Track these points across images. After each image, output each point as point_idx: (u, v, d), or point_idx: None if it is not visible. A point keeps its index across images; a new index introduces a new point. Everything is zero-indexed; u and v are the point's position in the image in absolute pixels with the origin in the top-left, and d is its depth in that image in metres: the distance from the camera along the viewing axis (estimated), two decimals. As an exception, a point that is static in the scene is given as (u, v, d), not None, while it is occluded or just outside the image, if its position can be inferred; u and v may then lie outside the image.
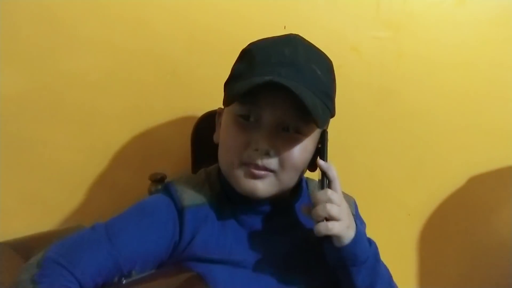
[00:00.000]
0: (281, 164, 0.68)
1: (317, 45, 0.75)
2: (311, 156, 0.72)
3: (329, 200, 0.65)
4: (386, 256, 0.75)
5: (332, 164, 0.69)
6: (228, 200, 0.72)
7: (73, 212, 0.97)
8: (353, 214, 0.77)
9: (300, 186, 0.77)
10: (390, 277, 0.74)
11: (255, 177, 0.68)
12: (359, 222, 0.78)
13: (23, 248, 0.71)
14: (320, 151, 0.72)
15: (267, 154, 0.67)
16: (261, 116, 0.68)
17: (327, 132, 0.73)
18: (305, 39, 0.73)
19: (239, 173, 0.68)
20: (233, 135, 0.69)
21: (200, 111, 0.93)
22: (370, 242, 0.70)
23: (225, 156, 0.71)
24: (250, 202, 0.72)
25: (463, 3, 1.04)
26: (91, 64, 0.95)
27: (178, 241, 0.68)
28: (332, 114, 0.73)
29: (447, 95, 1.07)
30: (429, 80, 1.06)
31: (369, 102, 1.06)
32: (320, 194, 0.66)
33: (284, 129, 0.68)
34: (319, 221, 0.64)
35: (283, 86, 0.63)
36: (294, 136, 0.69)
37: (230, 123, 0.70)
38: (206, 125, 0.92)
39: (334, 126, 0.76)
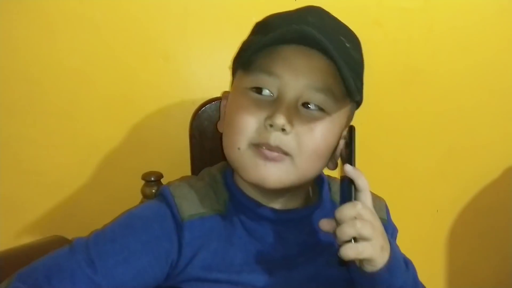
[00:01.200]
0: (300, 145, 0.55)
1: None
2: (336, 144, 0.59)
3: (359, 216, 0.52)
4: (413, 256, 0.63)
5: (361, 172, 0.56)
6: (237, 209, 0.60)
7: (55, 219, 0.84)
8: (384, 220, 0.65)
9: (322, 185, 0.65)
10: None
11: (267, 159, 0.55)
12: (391, 230, 0.66)
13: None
14: (348, 152, 0.59)
15: (283, 131, 0.54)
16: (278, 87, 0.55)
17: (354, 129, 0.60)
18: (330, 13, 0.59)
19: (247, 156, 0.56)
20: (241, 112, 0.56)
21: (199, 100, 0.80)
22: (407, 264, 0.57)
23: (230, 138, 0.58)
24: (263, 209, 0.59)
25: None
26: (71, 47, 0.81)
27: (177, 260, 0.56)
28: (361, 98, 0.61)
29: (484, 76, 0.94)
30: (463, 58, 0.93)
31: (394, 85, 0.93)
32: (348, 209, 0.52)
33: (305, 105, 0.56)
34: (346, 241, 0.52)
35: (312, 37, 0.51)
36: (317, 113, 0.56)
37: (238, 99, 0.58)
38: (206, 115, 0.79)
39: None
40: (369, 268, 0.52)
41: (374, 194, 0.70)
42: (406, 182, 0.97)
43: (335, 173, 0.66)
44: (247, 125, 0.55)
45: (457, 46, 0.92)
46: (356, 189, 0.55)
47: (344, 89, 0.55)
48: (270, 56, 0.55)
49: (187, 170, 0.79)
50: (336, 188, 0.68)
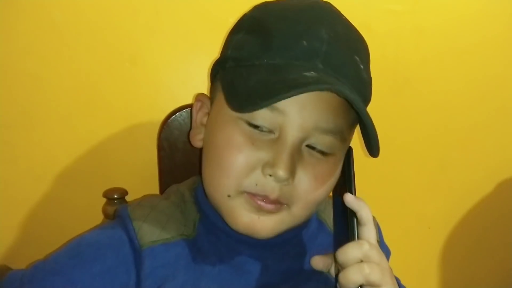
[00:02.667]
0: (300, 195, 0.48)
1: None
2: (334, 185, 0.52)
3: (367, 258, 0.45)
4: (405, 275, 0.58)
5: (364, 202, 0.48)
6: (210, 232, 0.52)
7: (1, 244, 0.74)
8: (378, 241, 0.58)
9: None
10: None
11: (262, 211, 0.47)
12: (383, 252, 0.58)
13: None
14: (346, 178, 0.51)
15: (285, 183, 0.46)
16: (281, 125, 0.47)
17: (352, 151, 0.53)
18: (336, 9, 0.53)
19: (238, 204, 0.48)
20: (233, 150, 0.47)
21: (168, 108, 0.72)
22: None
23: (218, 180, 0.49)
24: (240, 234, 0.51)
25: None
26: (25, 49, 0.72)
27: None
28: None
29: (475, 82, 0.88)
30: (454, 64, 0.87)
31: (383, 94, 0.86)
32: (353, 249, 0.45)
33: (309, 147, 0.48)
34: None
35: (330, 89, 0.44)
36: (322, 156, 0.49)
37: (227, 129, 0.49)
38: (176, 124, 0.71)
39: None
40: None
41: None
42: (394, 197, 0.90)
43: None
44: (242, 170, 0.47)
45: (448, 51, 0.86)
46: (358, 223, 0.47)
47: (365, 142, 0.49)
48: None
49: (155, 187, 0.71)
50: (323, 206, 0.60)
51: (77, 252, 0.48)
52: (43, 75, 0.73)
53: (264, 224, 0.48)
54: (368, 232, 0.47)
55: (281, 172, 0.45)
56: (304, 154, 0.48)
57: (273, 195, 0.47)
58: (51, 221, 0.75)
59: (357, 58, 0.50)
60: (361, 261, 0.44)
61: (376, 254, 0.45)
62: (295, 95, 0.43)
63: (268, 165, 0.46)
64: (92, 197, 0.71)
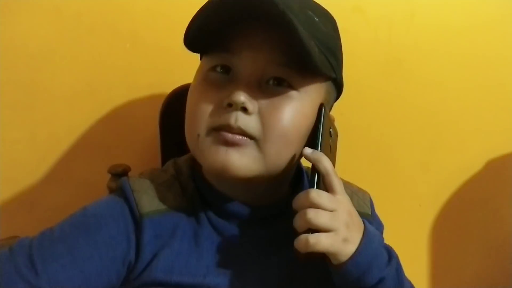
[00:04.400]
0: (265, 127, 0.49)
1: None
2: (310, 127, 0.52)
3: (313, 205, 0.47)
4: (396, 249, 0.58)
5: (323, 155, 0.50)
6: (205, 204, 0.54)
7: (12, 219, 0.77)
8: (369, 215, 0.61)
9: (300, 180, 0.60)
10: None
11: (228, 144, 0.49)
12: (375, 225, 0.61)
13: None
14: (312, 133, 0.52)
15: (245, 111, 0.48)
16: (237, 64, 0.50)
17: (323, 107, 0.53)
18: None
19: (207, 143, 0.50)
20: (198, 95, 0.51)
21: (170, 87, 0.74)
22: (390, 257, 0.52)
23: (189, 126, 0.52)
24: (233, 204, 0.54)
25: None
26: (31, 31, 0.74)
27: (134, 261, 0.50)
28: (336, 76, 0.54)
29: (465, 65, 0.91)
30: (444, 48, 0.90)
31: (375, 74, 0.89)
32: (301, 197, 0.48)
33: (271, 82, 0.50)
34: (301, 233, 0.47)
35: (270, 2, 0.44)
36: (284, 91, 0.50)
37: (196, 83, 0.53)
38: (177, 103, 0.73)
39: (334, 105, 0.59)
40: (333, 261, 0.48)
41: (358, 187, 0.65)
42: (387, 175, 0.93)
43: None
44: (205, 108, 0.50)
45: (439, 34, 0.89)
46: (318, 174, 0.49)
47: (308, 63, 0.48)
48: (226, 33, 0.49)
49: (157, 163, 0.74)
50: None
51: (81, 222, 0.51)
52: (47, 56, 0.76)
53: (233, 158, 0.48)
54: (329, 182, 0.49)
55: (236, 97, 0.47)
56: (264, 90, 0.50)
57: (235, 124, 0.48)
58: (57, 197, 0.77)
59: (311, 13, 0.51)
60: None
61: (326, 200, 0.47)
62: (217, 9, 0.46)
63: (227, 97, 0.48)
64: (97, 174, 0.74)
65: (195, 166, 0.56)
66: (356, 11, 0.86)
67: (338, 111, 0.61)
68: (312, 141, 0.52)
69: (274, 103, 0.49)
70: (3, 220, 0.78)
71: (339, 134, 0.60)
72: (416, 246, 0.98)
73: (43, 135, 0.77)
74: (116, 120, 0.78)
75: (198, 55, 0.68)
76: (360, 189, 0.64)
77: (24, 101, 0.76)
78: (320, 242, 0.46)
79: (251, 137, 0.49)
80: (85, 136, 0.78)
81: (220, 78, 0.51)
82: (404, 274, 0.54)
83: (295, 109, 0.50)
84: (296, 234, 0.47)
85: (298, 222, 0.47)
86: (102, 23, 0.76)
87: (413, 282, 0.60)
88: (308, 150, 0.50)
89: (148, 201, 0.51)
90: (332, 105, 0.59)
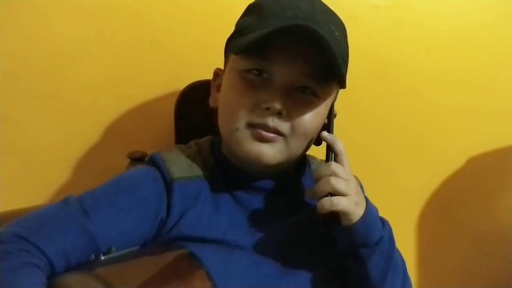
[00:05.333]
0: (293, 127, 0.60)
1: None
2: (322, 124, 0.64)
3: (334, 174, 0.57)
4: None
5: (337, 138, 0.62)
6: (224, 176, 0.64)
7: (40, 200, 0.85)
8: None
9: (303, 162, 0.70)
10: (405, 268, 0.67)
11: (264, 140, 0.59)
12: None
13: None
14: (326, 124, 0.64)
15: (279, 115, 0.58)
16: (273, 72, 0.59)
17: (333, 104, 0.66)
18: None
19: (244, 136, 0.59)
20: (239, 93, 0.60)
21: (183, 83, 0.83)
22: (384, 223, 0.63)
23: (228, 118, 0.61)
24: (248, 178, 0.64)
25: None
26: (60, 33, 0.84)
27: (165, 219, 0.59)
28: (344, 83, 0.64)
29: (449, 69, 1.01)
30: (430, 52, 0.99)
31: (367, 76, 0.98)
32: (324, 168, 0.58)
33: (299, 89, 0.60)
34: (322, 197, 0.56)
35: (307, 30, 0.54)
36: (309, 98, 0.61)
37: (235, 81, 0.61)
38: (190, 98, 0.83)
39: None
40: (345, 221, 0.57)
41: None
42: (376, 169, 1.01)
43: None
44: (244, 106, 0.59)
45: (424, 41, 0.99)
46: (334, 153, 0.60)
47: (334, 75, 0.59)
48: (266, 42, 0.57)
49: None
50: (314, 166, 0.72)
51: (119, 183, 0.60)
52: (74, 53, 0.85)
53: (266, 151, 0.59)
54: (341, 159, 0.60)
55: (276, 104, 0.57)
56: (294, 96, 0.59)
57: (271, 124, 0.58)
58: (81, 179, 0.86)
59: (333, 27, 0.61)
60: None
61: (342, 171, 0.58)
62: (276, 29, 0.54)
63: (265, 101, 0.58)
64: (117, 159, 0.82)
65: (214, 145, 0.66)
66: (350, 20, 0.94)
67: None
68: (326, 128, 0.64)
69: (302, 109, 0.60)
70: (30, 202, 0.86)
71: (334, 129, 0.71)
72: (404, 235, 1.06)
73: (68, 124, 0.86)
74: (135, 112, 0.87)
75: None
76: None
77: (53, 93, 0.85)
78: (340, 203, 0.56)
79: (281, 134, 0.59)
80: (106, 125, 0.87)
81: (256, 80, 0.60)
82: (393, 238, 0.64)
83: (315, 113, 0.61)
84: (318, 197, 0.57)
85: (321, 187, 0.57)
86: (124, 26, 0.86)
87: None
88: (325, 134, 0.62)
89: (177, 169, 0.61)
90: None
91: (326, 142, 0.62)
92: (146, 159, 0.66)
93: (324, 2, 0.85)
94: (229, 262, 0.58)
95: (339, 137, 0.69)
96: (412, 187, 1.05)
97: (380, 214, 0.74)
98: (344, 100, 0.92)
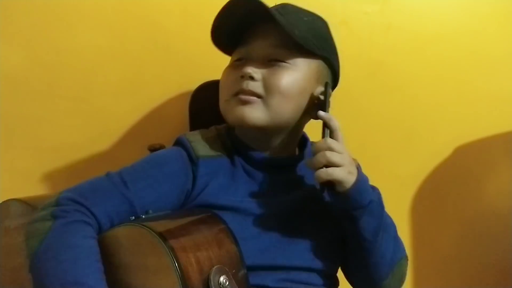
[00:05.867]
0: (267, 87, 0.70)
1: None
2: (307, 91, 0.73)
3: (329, 148, 0.67)
4: None
5: (333, 116, 0.71)
6: (239, 155, 0.74)
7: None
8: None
9: (305, 144, 0.80)
10: (395, 229, 0.77)
11: (243, 102, 0.70)
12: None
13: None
14: (321, 103, 0.73)
15: (252, 79, 0.70)
16: (249, 51, 0.72)
17: (329, 84, 0.75)
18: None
19: (231, 105, 0.72)
20: (227, 75, 0.74)
21: (195, 84, 0.94)
22: (374, 189, 0.73)
23: (220, 96, 0.75)
24: (258, 155, 0.74)
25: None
26: (85, 41, 0.95)
27: (191, 190, 0.69)
28: (325, 56, 0.76)
29: (434, 67, 1.12)
30: (416, 52, 1.11)
31: (360, 74, 1.09)
32: (320, 143, 0.68)
33: (272, 61, 0.72)
34: (319, 168, 0.66)
35: (258, 3, 0.67)
36: (281, 64, 0.72)
37: (225, 69, 0.75)
38: (202, 96, 0.93)
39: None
40: (340, 188, 0.67)
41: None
42: (371, 158, 1.07)
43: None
44: (228, 82, 0.73)
45: (410, 41, 1.10)
46: (329, 130, 0.70)
47: (296, 43, 0.70)
48: (244, 36, 0.73)
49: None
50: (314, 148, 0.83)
51: (153, 160, 0.71)
52: (99, 59, 0.96)
53: (247, 112, 0.70)
54: (336, 135, 0.70)
55: (245, 70, 0.70)
56: (269, 64, 0.71)
57: (246, 87, 0.70)
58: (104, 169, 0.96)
59: (302, 16, 0.74)
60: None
61: (337, 146, 0.67)
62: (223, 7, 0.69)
63: (241, 72, 0.70)
64: (138, 151, 0.92)
65: (229, 130, 0.77)
66: (342, 24, 1.07)
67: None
68: (321, 108, 0.73)
69: (273, 71, 0.71)
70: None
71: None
72: (399, 219, 1.14)
73: (94, 122, 0.97)
74: (153, 111, 0.98)
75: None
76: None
77: (81, 96, 0.96)
78: (334, 173, 0.66)
79: (258, 96, 0.70)
80: (128, 122, 0.97)
81: (239, 63, 0.73)
82: (383, 201, 0.74)
83: (290, 75, 0.71)
84: (316, 168, 0.66)
85: (318, 160, 0.66)
86: (141, 35, 0.97)
87: None
88: (321, 112, 0.71)
89: (201, 148, 0.72)
90: (333, 85, 0.81)
91: (322, 119, 0.71)
92: (174, 140, 0.77)
93: (315, 6, 0.97)
94: (245, 226, 0.68)
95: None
96: (405, 175, 1.14)
97: None
98: (340, 97, 1.03)
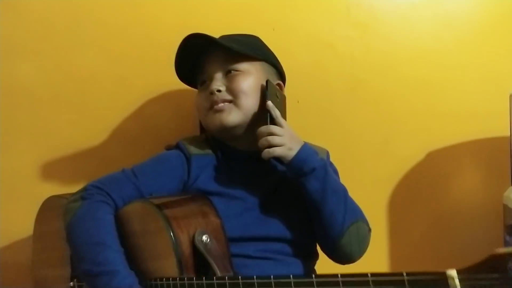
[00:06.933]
0: (232, 92, 0.91)
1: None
2: (259, 91, 0.93)
3: (270, 133, 0.87)
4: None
5: (274, 106, 0.90)
6: (223, 153, 0.96)
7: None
8: (324, 159, 0.97)
9: None
10: (346, 194, 0.90)
11: (218, 110, 0.91)
12: (332, 168, 0.99)
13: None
14: (265, 94, 0.91)
15: (219, 91, 0.91)
16: (209, 73, 0.94)
17: (268, 80, 0.93)
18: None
19: (209, 116, 0.93)
20: (198, 98, 0.97)
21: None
22: (322, 159, 0.91)
23: (199, 116, 0.97)
24: (238, 151, 0.95)
25: (416, 8, 1.28)
26: (110, 52, 1.21)
27: (187, 180, 0.91)
28: (265, 59, 0.97)
29: (407, 83, 1.29)
30: (392, 71, 1.28)
31: (342, 89, 1.28)
32: (262, 129, 0.88)
33: (228, 73, 0.93)
34: (263, 149, 0.87)
35: (197, 35, 0.90)
36: (235, 73, 0.93)
37: (196, 95, 0.98)
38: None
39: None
40: (284, 161, 0.88)
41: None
42: (352, 162, 1.27)
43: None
44: (201, 101, 0.95)
45: (387, 62, 1.27)
46: (271, 117, 0.90)
47: (235, 52, 0.91)
48: (202, 68, 0.95)
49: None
50: None
51: (156, 158, 0.94)
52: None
53: (224, 117, 0.90)
54: (279, 122, 0.88)
55: (212, 86, 0.92)
56: (227, 77, 0.92)
57: (218, 99, 0.91)
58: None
59: (238, 38, 0.96)
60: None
61: (278, 130, 0.86)
62: (181, 44, 0.93)
63: (208, 90, 0.92)
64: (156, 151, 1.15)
65: (214, 134, 0.98)
66: (328, 46, 1.26)
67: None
68: (265, 98, 0.90)
69: (232, 80, 0.92)
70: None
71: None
72: (376, 214, 1.30)
73: (110, 121, 1.22)
74: (169, 115, 1.22)
75: None
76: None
77: (110, 102, 1.21)
78: (275, 151, 0.86)
79: (229, 101, 0.92)
80: (137, 124, 1.21)
81: (204, 86, 0.95)
82: (330, 172, 0.91)
83: (242, 77, 0.92)
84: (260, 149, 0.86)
85: (261, 143, 0.87)
86: (159, 47, 1.20)
87: (374, 240, 0.95)
88: (269, 102, 0.89)
89: (193, 148, 0.94)
90: (278, 81, 1.00)
91: (267, 108, 0.88)
92: (174, 146, 0.99)
93: (307, 32, 1.18)
94: (229, 207, 0.88)
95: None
96: (382, 176, 1.30)
97: (356, 198, 0.95)
98: (324, 108, 1.24)
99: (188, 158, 0.93)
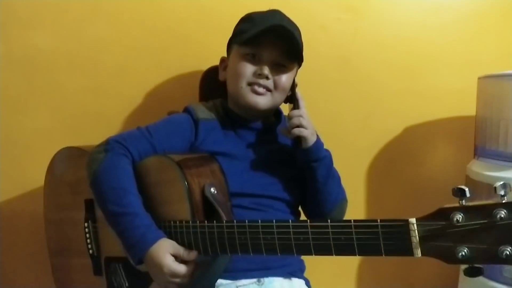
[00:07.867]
0: (275, 85, 1.02)
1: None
2: (290, 88, 1.05)
3: (301, 115, 1.00)
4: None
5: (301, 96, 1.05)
6: (229, 119, 1.07)
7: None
8: None
9: (281, 114, 1.13)
10: (340, 179, 1.07)
11: (258, 93, 1.02)
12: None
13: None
14: (293, 88, 1.06)
15: (267, 78, 1.02)
16: (262, 54, 1.02)
17: (294, 80, 1.07)
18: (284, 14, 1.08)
19: (246, 91, 1.02)
20: (242, 67, 1.02)
21: (205, 66, 1.26)
22: (327, 150, 1.05)
23: (236, 81, 1.02)
24: (246, 121, 1.06)
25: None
26: (131, 51, 1.31)
27: (194, 141, 1.03)
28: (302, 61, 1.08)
29: (389, 66, 1.43)
30: (377, 52, 1.42)
31: (330, 68, 1.41)
32: (295, 111, 1.02)
33: (277, 65, 1.03)
34: (294, 127, 0.99)
35: (284, 28, 0.99)
36: (282, 69, 1.02)
37: (238, 60, 1.02)
38: (209, 77, 1.26)
39: (304, 86, 1.10)
40: (304, 144, 1.00)
41: None
42: (337, 132, 1.41)
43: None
44: (246, 73, 1.01)
45: (373, 44, 1.41)
46: (300, 105, 1.03)
47: (297, 56, 1.03)
48: (258, 37, 0.99)
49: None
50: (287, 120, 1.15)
51: (168, 119, 1.05)
52: (137, 56, 1.31)
53: (260, 101, 1.01)
54: (304, 108, 1.01)
55: (265, 71, 0.99)
56: (275, 68, 1.01)
57: (263, 83, 1.00)
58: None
59: (295, 29, 1.02)
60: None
61: (305, 114, 0.99)
62: (261, 30, 0.98)
63: (259, 70, 1.00)
64: (156, 116, 1.26)
65: (223, 102, 1.09)
66: (319, 27, 1.39)
67: (306, 89, 1.09)
68: (293, 91, 1.05)
69: (278, 74, 1.02)
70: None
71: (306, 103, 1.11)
72: (356, 181, 1.46)
73: (127, 92, 1.33)
74: (173, 85, 1.33)
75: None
76: None
77: (124, 79, 1.31)
78: (304, 131, 0.98)
79: (269, 90, 1.02)
80: (151, 93, 1.33)
81: (252, 59, 1.01)
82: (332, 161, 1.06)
83: (286, 76, 1.03)
84: (291, 128, 0.98)
85: (293, 122, 0.99)
86: (166, 29, 1.30)
87: (354, 204, 1.11)
88: (299, 93, 1.04)
89: (201, 113, 1.05)
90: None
91: (297, 97, 1.03)
92: (183, 109, 1.11)
93: (300, 13, 1.29)
94: (232, 166, 0.99)
95: (312, 108, 1.10)
96: (362, 146, 1.46)
97: (339, 166, 1.09)
98: (314, 85, 1.37)
99: (196, 121, 1.04)
